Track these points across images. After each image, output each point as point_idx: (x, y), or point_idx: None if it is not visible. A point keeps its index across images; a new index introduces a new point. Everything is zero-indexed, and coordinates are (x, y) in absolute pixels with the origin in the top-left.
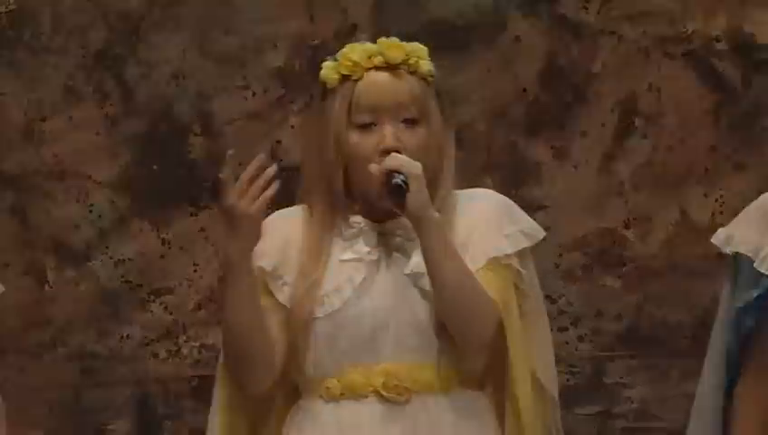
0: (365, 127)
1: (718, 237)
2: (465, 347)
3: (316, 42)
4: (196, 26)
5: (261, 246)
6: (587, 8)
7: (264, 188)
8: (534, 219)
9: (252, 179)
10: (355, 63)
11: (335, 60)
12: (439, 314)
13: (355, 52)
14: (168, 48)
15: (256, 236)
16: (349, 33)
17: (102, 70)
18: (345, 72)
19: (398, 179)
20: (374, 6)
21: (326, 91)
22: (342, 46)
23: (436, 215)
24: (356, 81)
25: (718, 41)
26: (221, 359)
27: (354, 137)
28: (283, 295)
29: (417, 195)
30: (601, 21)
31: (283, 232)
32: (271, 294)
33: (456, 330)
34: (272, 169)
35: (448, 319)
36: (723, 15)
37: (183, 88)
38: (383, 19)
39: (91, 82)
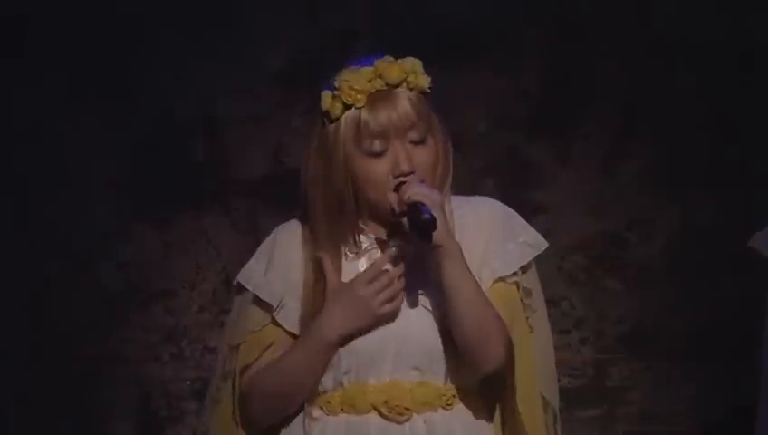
0: (375, 154)
1: (758, 241)
2: (478, 369)
3: (318, 44)
4: (199, 29)
5: (266, 277)
6: (588, 10)
7: (396, 295)
8: (536, 222)
9: (390, 282)
10: (357, 91)
11: (333, 89)
12: (455, 338)
13: (354, 79)
14: (170, 50)
15: (361, 328)
16: (351, 36)
17: (105, 72)
18: (348, 102)
19: (427, 215)
20: (375, 9)
21: (327, 121)
22: (344, 48)
23: (456, 241)
24: (359, 108)
25: (719, 44)
26: (227, 400)
27: (365, 164)
28: (289, 323)
29: (442, 225)
30: (602, 23)
31: (285, 256)
32: (278, 325)
33: (471, 352)
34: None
35: (465, 342)
36: (723, 19)
37: (185, 90)
38: (384, 22)
39: (93, 84)
